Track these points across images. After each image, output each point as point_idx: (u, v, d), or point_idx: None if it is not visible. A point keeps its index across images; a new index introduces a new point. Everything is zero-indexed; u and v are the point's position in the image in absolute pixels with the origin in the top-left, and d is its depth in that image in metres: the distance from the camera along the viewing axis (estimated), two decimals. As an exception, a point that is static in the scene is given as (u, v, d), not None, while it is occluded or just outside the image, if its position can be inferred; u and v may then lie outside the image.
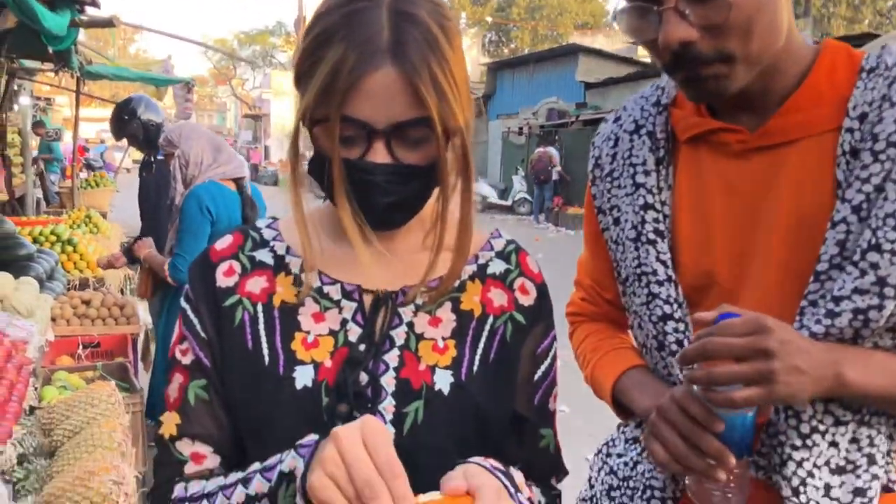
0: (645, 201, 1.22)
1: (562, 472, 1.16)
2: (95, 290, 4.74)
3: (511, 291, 1.10)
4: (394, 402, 0.99)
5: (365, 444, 0.78)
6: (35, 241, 5.38)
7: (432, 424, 0.99)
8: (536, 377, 1.11)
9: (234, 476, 0.94)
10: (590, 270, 1.44)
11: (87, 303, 4.36)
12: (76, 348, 4.03)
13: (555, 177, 18.81)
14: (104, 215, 7.77)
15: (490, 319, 1.07)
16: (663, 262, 1.21)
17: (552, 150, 19.14)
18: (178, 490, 1.00)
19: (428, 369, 1.02)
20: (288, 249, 1.07)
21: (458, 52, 0.96)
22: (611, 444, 1.37)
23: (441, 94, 0.92)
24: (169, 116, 6.80)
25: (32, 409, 2.96)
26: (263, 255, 1.07)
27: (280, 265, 1.06)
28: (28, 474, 2.42)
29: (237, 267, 1.06)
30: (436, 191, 1.01)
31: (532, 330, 1.10)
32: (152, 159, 4.64)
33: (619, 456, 1.33)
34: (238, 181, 3.81)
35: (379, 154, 0.94)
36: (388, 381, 1.00)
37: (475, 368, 1.04)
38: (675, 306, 1.19)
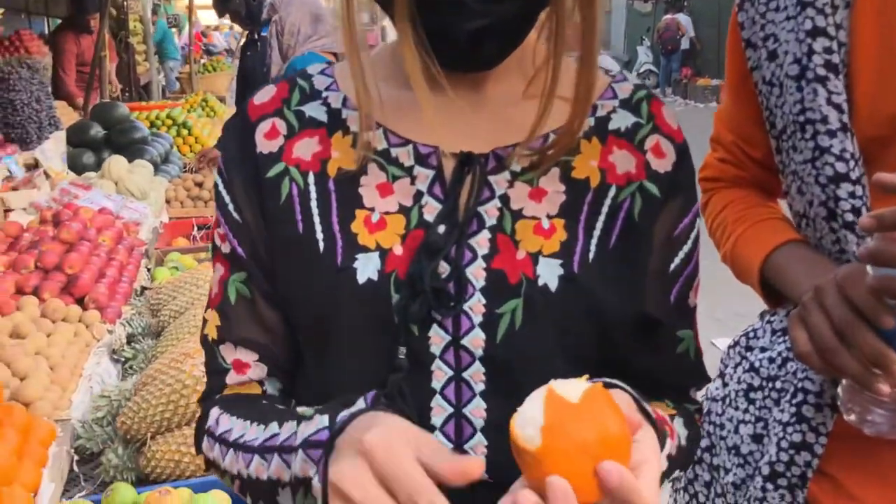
0: (813, 25, 0.93)
1: (703, 380, 0.92)
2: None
3: (642, 153, 0.82)
4: (484, 301, 0.76)
5: (380, 477, 0.60)
6: (151, 125, 5.44)
7: (535, 329, 0.76)
8: (674, 266, 0.84)
9: (254, 433, 0.76)
10: (733, 123, 1.16)
11: (200, 185, 4.37)
12: (191, 230, 4.06)
13: (684, 45, 17.71)
14: (221, 99, 7.79)
15: (612, 191, 0.81)
16: (837, 106, 0.93)
17: (681, 17, 17.96)
18: (212, 415, 0.83)
19: (528, 258, 0.78)
20: (345, 101, 0.83)
21: None
22: (752, 335, 1.14)
23: None
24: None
25: (144, 290, 2.99)
26: (315, 110, 0.83)
27: (336, 122, 0.82)
28: (136, 354, 2.43)
29: (282, 126, 0.83)
30: (542, 15, 0.76)
31: (668, 204, 0.82)
32: (256, 37, 4.47)
33: (763, 350, 1.10)
34: (338, 56, 3.63)
35: None
36: (477, 273, 0.77)
37: (591, 256, 0.79)
38: (852, 163, 0.93)
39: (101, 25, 5.63)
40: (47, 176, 3.89)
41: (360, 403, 0.71)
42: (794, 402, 1.01)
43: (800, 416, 1.01)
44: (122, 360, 2.43)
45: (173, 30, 12.64)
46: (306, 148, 0.82)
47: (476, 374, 0.76)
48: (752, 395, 1.08)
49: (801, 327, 0.87)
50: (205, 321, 0.86)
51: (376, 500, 0.58)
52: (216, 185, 0.85)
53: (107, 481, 1.81)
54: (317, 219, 0.80)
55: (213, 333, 0.84)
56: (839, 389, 0.88)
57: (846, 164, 0.93)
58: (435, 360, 0.76)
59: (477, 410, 0.76)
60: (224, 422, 0.80)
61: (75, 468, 1.86)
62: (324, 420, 0.68)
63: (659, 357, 0.85)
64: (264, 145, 0.82)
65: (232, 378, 0.84)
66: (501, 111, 0.80)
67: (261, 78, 3.98)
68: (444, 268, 0.76)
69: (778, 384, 1.05)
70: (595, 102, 0.82)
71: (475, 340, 0.76)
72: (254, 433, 0.76)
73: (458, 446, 0.76)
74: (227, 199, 0.83)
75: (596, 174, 0.81)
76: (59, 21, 7.44)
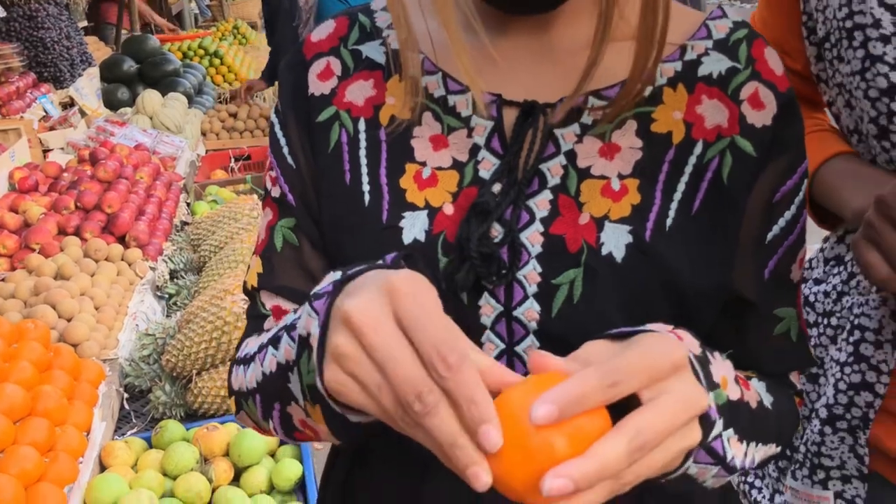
0: None
1: (808, 364, 0.81)
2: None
3: (736, 104, 0.70)
4: (539, 269, 0.68)
5: (398, 319, 0.50)
6: (185, 55, 5.39)
7: (597, 303, 0.67)
8: (772, 235, 0.73)
9: (270, 332, 0.72)
10: (769, 30, 1.06)
11: (234, 115, 4.34)
12: (228, 162, 4.05)
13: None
14: (253, 26, 7.69)
15: (698, 147, 0.70)
16: (890, 7, 0.83)
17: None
18: (241, 349, 0.79)
19: (592, 222, 0.68)
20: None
21: None
22: (806, 266, 1.06)
23: None
24: None
25: (184, 225, 3.00)
26: (372, 51, 0.76)
27: (394, 65, 0.75)
28: (179, 290, 2.46)
29: (336, 66, 0.76)
30: None
31: (766, 165, 0.71)
32: None
33: (817, 283, 1.02)
34: None
35: None
36: (534, 238, 0.69)
37: (669, 222, 0.69)
38: None
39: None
40: (83, 114, 3.90)
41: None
42: (851, 339, 0.93)
43: (858, 354, 0.93)
44: (166, 296, 2.46)
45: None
46: (359, 91, 0.76)
47: (530, 350, 0.69)
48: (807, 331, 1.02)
49: (871, 249, 0.78)
50: (249, 267, 0.82)
51: (390, 343, 0.49)
52: (271, 126, 0.80)
53: (157, 418, 1.84)
54: (364, 170, 0.74)
55: (253, 280, 0.80)
56: None
57: None
58: (485, 332, 0.69)
59: None
60: (250, 344, 0.77)
61: (126, 406, 1.90)
62: (336, 275, 0.60)
63: (753, 339, 0.76)
64: (317, 86, 0.76)
65: (270, 324, 0.79)
66: (572, 57, 0.71)
67: (286, 4, 3.88)
68: (497, 231, 0.69)
69: (833, 320, 0.98)
70: (685, 43, 0.72)
71: (529, 312, 0.69)
72: (267, 334, 0.72)
73: None
74: (282, 141, 0.78)
75: (680, 128, 0.70)
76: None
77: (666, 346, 0.54)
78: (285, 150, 0.78)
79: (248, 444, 1.60)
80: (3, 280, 2.23)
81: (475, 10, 0.66)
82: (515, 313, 0.69)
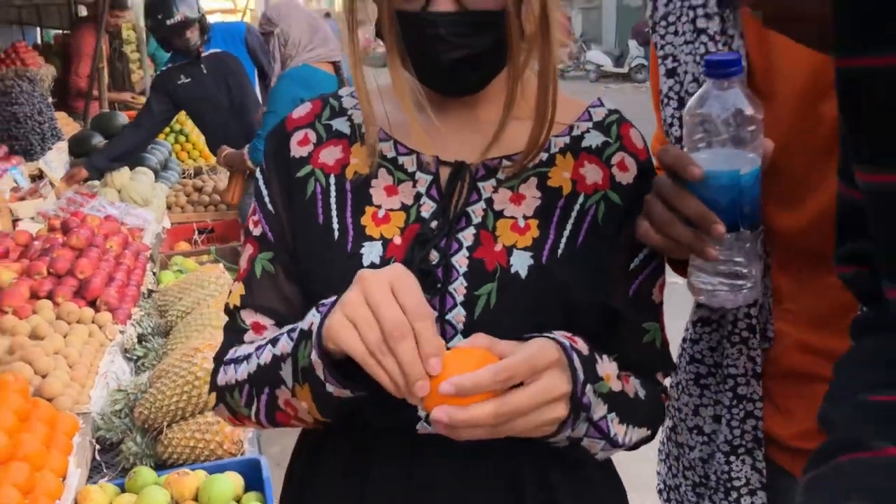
0: (706, 50, 1.05)
1: (669, 368, 1.05)
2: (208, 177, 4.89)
3: (607, 167, 0.96)
4: (465, 284, 0.91)
5: (392, 287, 0.75)
6: (150, 133, 5.56)
7: (507, 309, 0.90)
8: (634, 265, 0.98)
9: (268, 336, 0.93)
10: (660, 139, 1.26)
11: (199, 190, 4.51)
12: (192, 234, 4.20)
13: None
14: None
15: (581, 198, 0.95)
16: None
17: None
18: (230, 353, 0.99)
19: (504, 250, 0.93)
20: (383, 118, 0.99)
21: None
22: (689, 326, 1.28)
23: None
24: None
25: (150, 293, 3.13)
26: (340, 125, 1.00)
27: (357, 134, 0.99)
28: (147, 352, 2.58)
29: (312, 136, 1.00)
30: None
31: (630, 212, 0.96)
32: (199, 55, 4.18)
33: (694, 343, 1.23)
34: (336, 64, 3.71)
35: (442, 2, 0.85)
36: (461, 261, 0.92)
37: (560, 251, 0.93)
38: None
39: (98, 37, 5.75)
40: (52, 186, 4.03)
41: None
42: (728, 385, 1.14)
43: (736, 394, 1.13)
44: (135, 358, 2.58)
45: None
46: (330, 154, 0.99)
47: (459, 343, 0.90)
48: (702, 381, 1.20)
49: (644, 220, 0.95)
50: (230, 292, 1.02)
51: (384, 295, 0.75)
52: (256, 181, 1.03)
53: (127, 468, 1.95)
54: (334, 213, 0.96)
55: (235, 301, 1.00)
56: (689, 276, 0.97)
57: None
58: None
59: None
60: (241, 349, 0.96)
61: (97, 457, 2.00)
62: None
63: (626, 343, 0.98)
64: (297, 150, 0.99)
65: (249, 336, 0.99)
66: (491, 129, 0.93)
67: (234, 104, 4.09)
68: (434, 256, 0.91)
69: (719, 371, 1.17)
70: (573, 124, 0.98)
71: (457, 316, 0.91)
72: (264, 339, 0.93)
73: None
74: (264, 192, 1.00)
75: (568, 184, 0.96)
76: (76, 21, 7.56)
77: (546, 349, 0.78)
78: (267, 199, 0.99)
79: (217, 488, 1.72)
80: (-23, 340, 2.33)
81: (423, 93, 0.90)
82: (447, 317, 0.91)
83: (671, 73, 1.11)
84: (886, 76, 0.51)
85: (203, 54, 4.19)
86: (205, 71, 4.18)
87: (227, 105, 4.18)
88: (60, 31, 9.80)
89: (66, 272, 2.79)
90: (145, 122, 4.26)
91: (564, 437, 0.84)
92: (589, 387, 0.83)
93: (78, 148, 4.76)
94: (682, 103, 1.09)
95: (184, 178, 4.94)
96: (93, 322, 2.58)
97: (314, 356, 0.79)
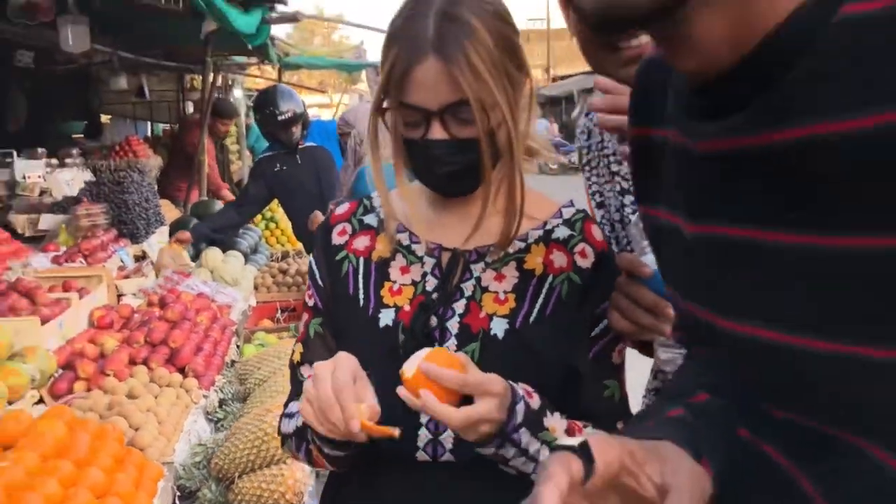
0: (621, 187, 1.31)
1: (628, 416, 1.23)
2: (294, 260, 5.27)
3: (571, 255, 1.20)
4: (456, 343, 1.16)
5: (333, 370, 1.02)
6: (243, 219, 6.03)
7: (487, 364, 1.09)
8: (594, 333, 1.20)
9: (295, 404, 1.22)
10: None
11: (284, 272, 4.88)
12: (275, 312, 4.55)
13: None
14: (306, 194, 8.45)
15: (549, 278, 1.19)
16: None
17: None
18: (290, 406, 1.26)
19: (487, 317, 1.17)
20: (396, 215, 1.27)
21: (504, 40, 1.10)
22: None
23: (478, 77, 1.07)
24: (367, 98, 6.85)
25: (233, 363, 3.44)
26: (370, 219, 1.28)
27: (381, 227, 1.26)
28: (226, 415, 2.87)
29: (349, 229, 1.28)
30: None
31: (589, 292, 1.19)
32: (298, 147, 4.68)
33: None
34: None
35: (436, 132, 1.11)
36: (453, 325, 1.17)
37: (531, 319, 1.16)
38: None
39: (202, 131, 6.31)
40: (153, 265, 4.46)
41: None
42: None
43: None
44: (215, 419, 2.87)
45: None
46: (361, 242, 1.27)
47: None
48: None
49: (614, 311, 1.16)
50: (293, 351, 1.30)
51: (308, 399, 1.03)
52: (310, 263, 1.31)
53: (202, 513, 2.21)
54: (361, 286, 1.24)
55: (296, 358, 1.29)
56: (654, 352, 1.17)
57: None
58: None
59: None
60: (293, 405, 1.24)
61: (177, 502, 2.27)
62: None
63: (588, 397, 1.20)
64: (337, 239, 1.28)
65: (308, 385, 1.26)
66: (481, 222, 1.17)
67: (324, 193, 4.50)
68: (433, 321, 1.17)
69: None
70: (547, 220, 1.24)
71: None
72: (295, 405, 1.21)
73: (436, 437, 1.15)
74: (315, 271, 1.29)
75: (540, 267, 1.21)
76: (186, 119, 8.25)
77: (497, 384, 1.02)
78: (318, 276, 1.28)
79: (276, 530, 1.96)
80: (83, 398, 2.67)
81: (430, 194, 1.19)
82: None
83: (600, 206, 1.39)
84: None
85: (300, 147, 4.65)
86: (299, 161, 4.65)
87: (317, 194, 4.60)
88: (168, 126, 10.66)
89: (160, 342, 3.13)
90: (243, 203, 4.77)
91: (490, 451, 1.06)
92: (524, 429, 1.05)
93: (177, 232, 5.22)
94: (612, 227, 1.36)
95: (271, 261, 5.33)
96: (181, 386, 2.89)
97: (310, 435, 1.09)
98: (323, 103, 14.11)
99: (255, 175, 4.77)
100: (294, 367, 1.29)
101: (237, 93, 11.55)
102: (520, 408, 1.04)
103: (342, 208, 1.32)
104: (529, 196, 1.17)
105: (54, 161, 5.99)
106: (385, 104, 1.15)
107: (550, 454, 0.68)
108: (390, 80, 1.11)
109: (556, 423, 1.11)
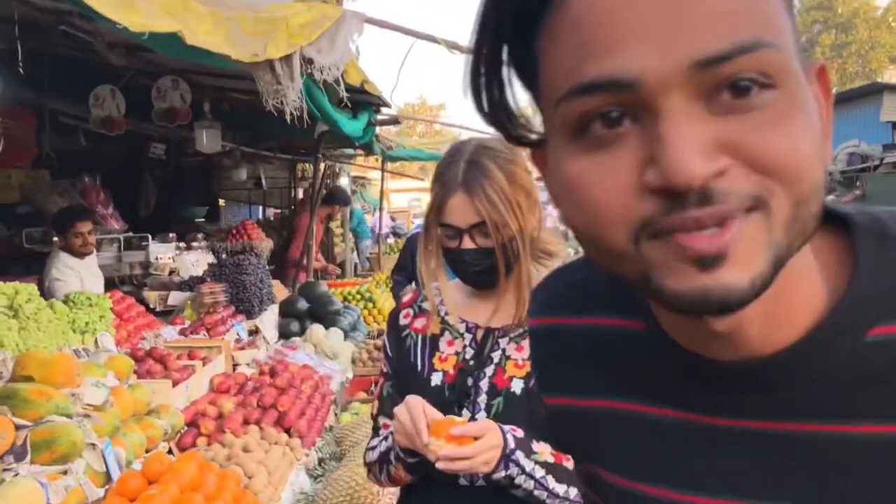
0: None
1: None
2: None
3: None
4: (486, 398, 1.55)
5: (408, 406, 1.42)
6: (344, 298, 6.56)
7: (508, 413, 1.51)
8: None
9: (385, 433, 1.61)
10: None
11: (379, 349, 5.33)
12: (370, 385, 4.98)
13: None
14: (403, 276, 8.97)
15: None
16: None
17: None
18: (373, 442, 1.67)
19: (508, 379, 1.55)
20: (441, 301, 1.70)
21: (514, 178, 1.53)
22: None
23: (493, 206, 1.50)
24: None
25: (331, 428, 3.87)
26: (426, 305, 1.70)
27: (434, 311, 1.68)
28: (324, 472, 3.28)
29: (411, 312, 1.71)
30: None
31: None
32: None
33: None
34: None
35: (466, 243, 1.54)
36: (484, 385, 1.55)
37: None
38: None
39: (311, 220, 6.93)
40: (264, 339, 4.98)
41: None
42: None
43: None
44: (315, 475, 3.28)
45: (367, 215, 14.40)
46: (420, 323, 1.68)
47: None
48: None
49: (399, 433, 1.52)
50: (373, 405, 1.72)
51: (397, 423, 1.41)
52: (384, 340, 1.74)
53: (302, 550, 2.60)
54: (419, 356, 1.64)
55: (374, 411, 1.71)
56: None
57: None
58: None
59: None
60: (374, 441, 1.66)
61: (281, 540, 2.67)
62: None
63: None
64: (402, 321, 1.70)
65: (383, 432, 1.66)
66: (508, 306, 1.59)
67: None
68: (469, 381, 1.57)
69: None
70: None
71: (480, 416, 1.54)
72: (380, 437, 1.62)
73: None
74: (387, 345, 1.71)
75: None
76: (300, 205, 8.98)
77: (489, 424, 1.41)
78: (388, 349, 1.70)
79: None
80: (206, 450, 3.13)
81: (464, 287, 1.60)
82: (476, 417, 1.53)
83: None
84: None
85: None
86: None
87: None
88: (279, 210, 11.46)
89: (270, 405, 3.59)
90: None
91: (501, 475, 1.41)
92: (519, 451, 1.41)
93: (286, 310, 5.76)
94: None
95: (368, 338, 5.81)
96: (287, 444, 3.33)
97: (396, 448, 1.48)
98: (423, 188, 14.92)
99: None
100: (374, 418, 1.71)
101: (343, 180, 12.32)
102: (510, 437, 1.42)
103: (407, 294, 1.74)
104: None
105: (182, 244, 6.70)
106: (433, 224, 1.59)
107: None
108: (433, 208, 1.56)
109: (542, 447, 1.46)
